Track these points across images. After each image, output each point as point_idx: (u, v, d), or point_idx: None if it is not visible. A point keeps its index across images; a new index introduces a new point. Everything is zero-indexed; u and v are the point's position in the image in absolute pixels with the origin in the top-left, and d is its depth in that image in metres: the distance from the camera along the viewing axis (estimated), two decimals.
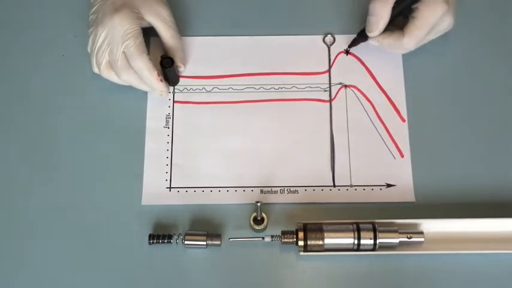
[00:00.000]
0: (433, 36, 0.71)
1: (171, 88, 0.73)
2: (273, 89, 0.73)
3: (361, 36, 0.72)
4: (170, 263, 0.67)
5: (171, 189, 0.70)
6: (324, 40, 0.75)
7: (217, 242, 0.66)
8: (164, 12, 0.70)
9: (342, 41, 0.75)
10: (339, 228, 0.64)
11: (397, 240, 0.64)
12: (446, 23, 0.70)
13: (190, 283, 0.66)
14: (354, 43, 0.74)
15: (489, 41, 0.75)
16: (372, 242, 0.64)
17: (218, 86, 0.74)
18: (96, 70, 0.70)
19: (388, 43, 0.71)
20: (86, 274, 0.66)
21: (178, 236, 0.66)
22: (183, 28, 0.74)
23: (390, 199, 0.69)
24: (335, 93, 0.73)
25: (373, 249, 0.64)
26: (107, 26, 0.67)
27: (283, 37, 0.75)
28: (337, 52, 0.75)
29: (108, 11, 0.67)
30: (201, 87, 0.74)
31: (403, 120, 0.72)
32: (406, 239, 0.64)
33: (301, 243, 0.64)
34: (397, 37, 0.70)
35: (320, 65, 0.74)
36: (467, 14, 0.75)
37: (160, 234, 0.66)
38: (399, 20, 0.71)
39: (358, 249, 0.64)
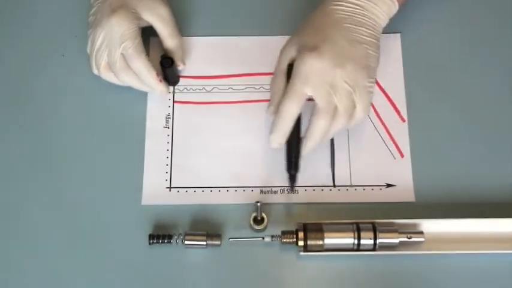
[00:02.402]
0: (346, 99, 0.63)
1: (171, 88, 0.73)
2: None
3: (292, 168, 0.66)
4: (170, 263, 0.67)
5: (171, 189, 0.70)
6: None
7: (217, 242, 0.66)
8: (162, 11, 0.70)
9: None
10: (339, 228, 0.64)
11: (397, 240, 0.64)
12: (330, 74, 0.62)
13: (190, 283, 0.66)
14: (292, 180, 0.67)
15: (490, 42, 0.75)
16: (371, 242, 0.64)
17: (218, 86, 0.74)
18: (95, 71, 0.70)
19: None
20: (86, 274, 0.66)
21: (178, 236, 0.66)
22: (183, 28, 0.74)
23: (390, 199, 0.69)
24: None
25: (373, 249, 0.64)
26: (105, 28, 0.67)
27: (283, 37, 0.75)
28: None
29: (105, 12, 0.67)
30: (201, 87, 0.74)
31: (403, 120, 0.72)
32: (406, 239, 0.64)
33: (301, 243, 0.64)
34: None
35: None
36: (468, 16, 0.76)
37: (160, 234, 0.66)
38: None
39: (358, 249, 0.64)
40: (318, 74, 0.62)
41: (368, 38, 0.65)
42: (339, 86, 0.63)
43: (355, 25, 0.65)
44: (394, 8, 0.67)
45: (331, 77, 0.62)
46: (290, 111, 0.63)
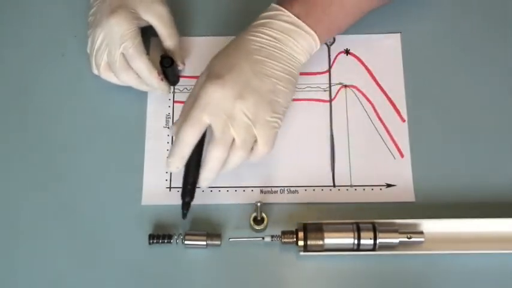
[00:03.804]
0: (245, 129, 0.62)
1: (171, 88, 0.73)
2: None
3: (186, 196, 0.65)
4: (170, 263, 0.67)
5: (171, 189, 0.70)
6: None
7: (217, 242, 0.66)
8: (162, 10, 0.70)
9: (342, 41, 0.74)
10: (339, 228, 0.64)
11: (397, 240, 0.64)
12: (229, 105, 0.61)
13: (190, 283, 0.66)
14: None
15: (491, 42, 0.75)
16: (371, 242, 0.64)
17: None
18: (95, 71, 0.70)
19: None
20: (86, 274, 0.66)
21: (178, 236, 0.66)
22: (183, 28, 0.74)
23: (390, 199, 0.69)
24: (335, 93, 0.73)
25: (373, 249, 0.64)
26: (104, 28, 0.67)
27: None
28: (337, 52, 0.75)
29: (105, 12, 0.67)
30: None
31: (403, 120, 0.72)
32: (406, 239, 0.64)
33: (301, 243, 0.64)
34: None
35: (320, 65, 0.74)
36: (468, 16, 0.76)
37: (160, 234, 0.66)
38: None
39: (358, 249, 0.64)
40: (217, 103, 0.61)
41: (279, 73, 0.63)
42: (238, 117, 0.62)
43: (266, 58, 0.63)
44: (315, 45, 0.66)
45: (230, 108, 0.61)
46: (187, 136, 0.62)
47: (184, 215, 0.66)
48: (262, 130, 0.63)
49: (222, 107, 0.61)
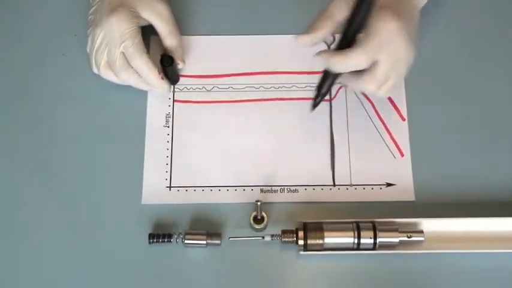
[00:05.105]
0: (395, 74, 0.64)
1: (172, 87, 0.73)
2: (273, 88, 0.73)
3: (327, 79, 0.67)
4: (170, 262, 0.67)
5: (171, 188, 0.70)
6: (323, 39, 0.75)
7: (217, 241, 0.66)
8: (162, 9, 0.70)
9: None
10: (339, 228, 0.64)
11: (397, 240, 0.64)
12: (403, 51, 0.63)
13: (190, 282, 0.66)
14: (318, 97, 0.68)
15: (491, 42, 0.75)
16: (371, 241, 0.64)
17: (218, 85, 0.74)
18: (95, 70, 0.70)
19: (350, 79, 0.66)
20: (86, 274, 0.66)
21: (178, 235, 0.66)
22: (183, 27, 0.74)
23: (390, 198, 0.69)
24: (335, 92, 0.73)
25: (373, 249, 0.64)
26: (104, 27, 0.67)
27: (283, 36, 0.75)
28: None
29: (104, 11, 0.67)
30: (201, 86, 0.74)
31: (403, 119, 0.72)
32: (406, 238, 0.64)
33: (301, 242, 0.64)
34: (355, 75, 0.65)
35: (320, 64, 0.74)
36: (468, 16, 0.76)
37: (160, 234, 0.66)
38: None
39: (358, 249, 0.64)
40: (390, 34, 0.62)
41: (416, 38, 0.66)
42: (393, 56, 0.62)
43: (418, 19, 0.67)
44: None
45: (397, 45, 0.62)
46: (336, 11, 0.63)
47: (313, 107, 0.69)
48: (394, 77, 0.64)
49: (392, 38, 0.62)
